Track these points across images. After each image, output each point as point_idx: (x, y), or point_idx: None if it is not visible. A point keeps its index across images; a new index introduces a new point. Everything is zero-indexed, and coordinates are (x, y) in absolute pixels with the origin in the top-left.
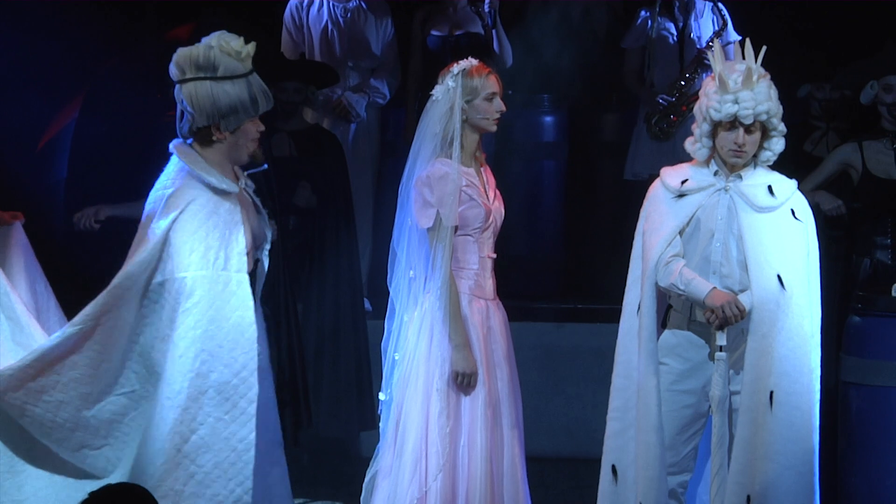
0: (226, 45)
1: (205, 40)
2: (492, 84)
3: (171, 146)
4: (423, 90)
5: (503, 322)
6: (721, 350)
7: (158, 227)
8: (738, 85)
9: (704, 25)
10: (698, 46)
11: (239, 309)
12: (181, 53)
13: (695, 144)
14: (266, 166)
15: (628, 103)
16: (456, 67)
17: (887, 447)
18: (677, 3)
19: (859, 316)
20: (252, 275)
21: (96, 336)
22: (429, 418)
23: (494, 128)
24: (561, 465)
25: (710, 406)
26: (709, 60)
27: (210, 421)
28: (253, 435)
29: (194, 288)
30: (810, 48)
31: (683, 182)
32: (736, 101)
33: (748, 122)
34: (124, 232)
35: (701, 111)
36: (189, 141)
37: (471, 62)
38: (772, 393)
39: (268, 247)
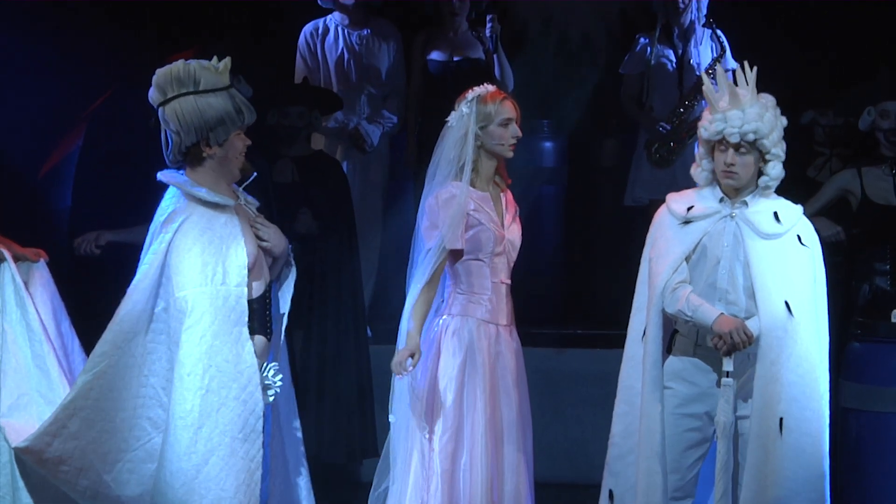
0: (201, 62)
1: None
2: (507, 110)
3: (158, 176)
4: (424, 115)
5: (514, 350)
6: (728, 376)
7: (155, 252)
8: (727, 104)
9: (703, 52)
10: (697, 73)
11: (238, 324)
12: (160, 74)
13: (696, 169)
14: (256, 174)
15: (628, 129)
16: (471, 94)
17: (886, 473)
18: (676, 30)
19: (859, 342)
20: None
21: (109, 379)
22: (432, 439)
23: (511, 154)
24: (561, 490)
25: (714, 431)
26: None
27: (227, 441)
28: (261, 453)
29: (195, 305)
30: (813, 74)
31: (689, 209)
32: (724, 120)
33: (734, 140)
34: (126, 257)
35: (699, 134)
36: (182, 172)
37: (486, 88)
38: (781, 419)
39: (292, 270)
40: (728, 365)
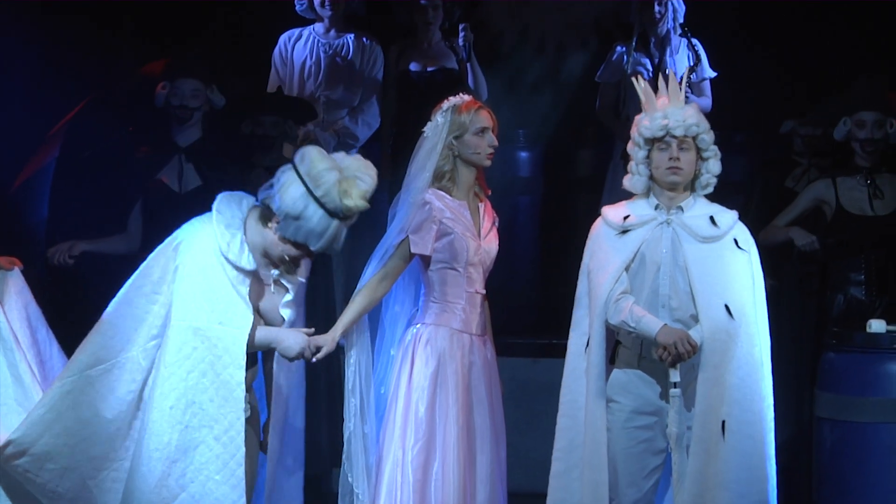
0: (346, 183)
1: (346, 167)
2: (482, 119)
3: (219, 197)
4: (398, 126)
5: (488, 360)
6: (675, 387)
7: (167, 271)
8: (666, 102)
9: (680, 61)
10: None
11: (230, 367)
12: (314, 150)
13: (631, 178)
14: (303, 282)
15: (604, 138)
16: (446, 104)
17: (862, 483)
18: (653, 39)
19: (834, 352)
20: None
21: (109, 380)
22: (404, 448)
23: (488, 162)
24: (536, 500)
25: (668, 443)
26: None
27: (201, 479)
28: (243, 500)
29: (188, 338)
30: (793, 84)
31: (625, 218)
32: (665, 116)
33: (678, 133)
34: (101, 267)
35: (633, 141)
36: (256, 202)
37: (462, 98)
38: (724, 422)
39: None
40: (674, 376)
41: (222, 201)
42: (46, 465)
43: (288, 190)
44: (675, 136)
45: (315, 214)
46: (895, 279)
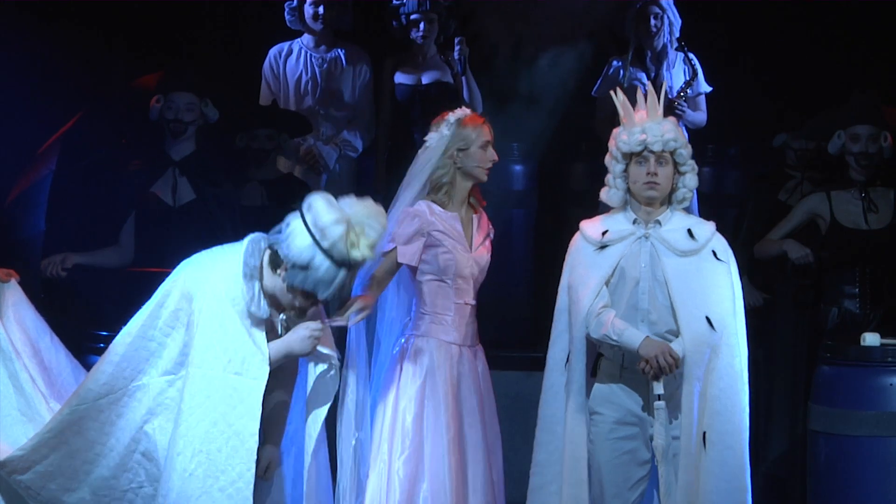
0: (353, 234)
1: (354, 215)
2: (486, 133)
3: (248, 243)
4: (393, 139)
5: (480, 371)
6: (659, 399)
7: (181, 309)
8: (644, 116)
9: (676, 76)
10: (670, 96)
11: (244, 417)
12: (324, 197)
13: (608, 191)
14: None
15: (598, 152)
16: (451, 116)
17: (856, 496)
18: (649, 54)
19: (828, 365)
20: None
21: (119, 408)
22: (391, 458)
23: (486, 177)
24: None
25: (652, 454)
26: (680, 110)
27: None
28: None
29: (201, 386)
30: (786, 97)
31: (604, 233)
32: (643, 131)
33: (656, 148)
34: (94, 280)
35: (611, 154)
36: (271, 242)
37: (465, 111)
38: (704, 434)
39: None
40: (658, 388)
41: (248, 248)
42: (49, 484)
43: (295, 240)
44: (652, 151)
45: (322, 265)
46: (889, 292)
